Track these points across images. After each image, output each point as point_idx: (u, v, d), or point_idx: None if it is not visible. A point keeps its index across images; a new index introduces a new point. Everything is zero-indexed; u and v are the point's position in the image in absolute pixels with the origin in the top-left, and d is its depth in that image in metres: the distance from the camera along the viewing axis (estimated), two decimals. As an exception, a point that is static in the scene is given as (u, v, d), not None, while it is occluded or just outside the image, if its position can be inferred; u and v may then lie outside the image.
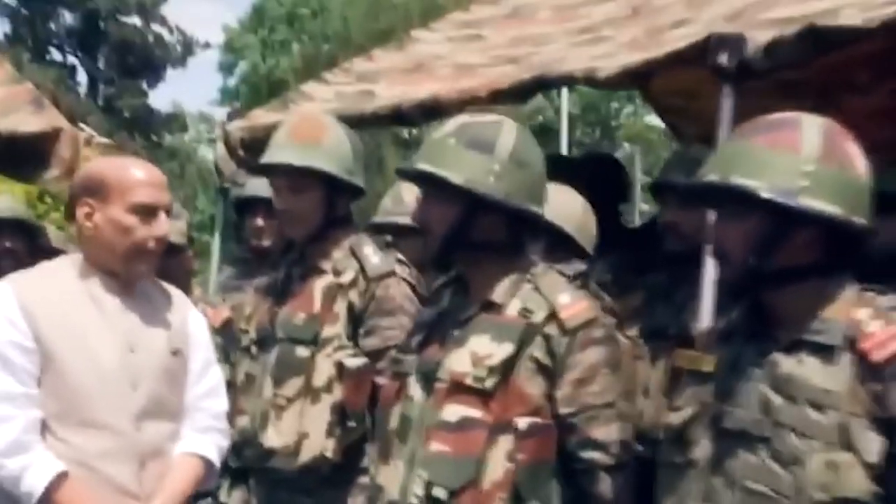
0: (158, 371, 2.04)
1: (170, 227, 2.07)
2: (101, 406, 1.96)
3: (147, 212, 1.99)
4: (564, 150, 14.57)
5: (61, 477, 1.91)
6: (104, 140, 4.48)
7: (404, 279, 2.37)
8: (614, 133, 24.23)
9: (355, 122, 3.28)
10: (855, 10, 2.01)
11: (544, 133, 16.49)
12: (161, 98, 31.16)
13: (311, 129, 2.43)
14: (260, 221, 3.21)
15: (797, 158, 1.57)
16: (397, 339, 2.21)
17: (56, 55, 23.63)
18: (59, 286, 2.02)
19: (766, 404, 1.58)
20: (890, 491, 1.50)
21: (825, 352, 1.56)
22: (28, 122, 3.84)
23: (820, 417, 1.52)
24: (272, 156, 2.43)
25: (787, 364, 1.58)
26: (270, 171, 2.47)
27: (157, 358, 2.04)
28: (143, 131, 22.75)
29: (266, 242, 3.23)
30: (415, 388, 1.94)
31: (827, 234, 1.59)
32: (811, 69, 2.68)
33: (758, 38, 2.06)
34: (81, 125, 4.41)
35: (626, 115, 24.47)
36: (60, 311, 1.98)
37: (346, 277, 2.35)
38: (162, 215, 2.01)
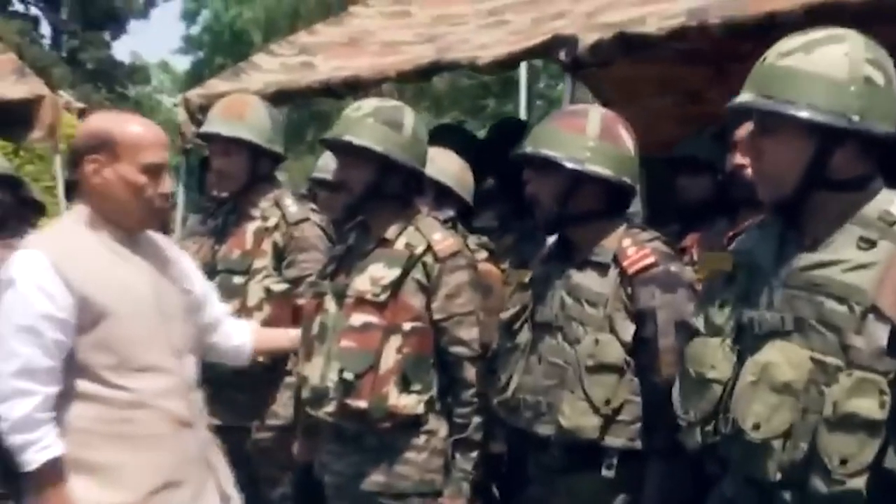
0: (180, 311, 2.16)
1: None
2: (153, 350, 2.06)
3: (155, 171, 2.06)
4: (523, 103, 15.16)
5: (56, 460, 1.97)
6: (80, 105, 5.05)
7: (316, 224, 3.05)
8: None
9: (294, 94, 3.94)
10: (655, 19, 2.68)
11: (507, 85, 16.81)
12: (125, 49, 31.04)
13: (236, 106, 3.11)
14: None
15: (584, 137, 2.25)
16: (311, 270, 2.89)
17: (18, 6, 23.66)
18: (83, 243, 2.05)
19: (562, 304, 2.28)
20: (637, 361, 2.19)
21: (601, 267, 2.25)
22: (13, 90, 4.42)
23: (594, 312, 2.22)
24: (207, 127, 3.14)
25: (577, 276, 2.27)
26: (206, 139, 3.18)
27: (177, 299, 2.16)
28: (107, 83, 22.94)
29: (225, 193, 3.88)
30: (330, 304, 2.60)
31: (606, 189, 2.27)
32: (706, 43, 3.10)
33: (586, 39, 2.73)
34: (60, 92, 4.98)
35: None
36: (97, 266, 2.02)
37: (271, 222, 3.03)
38: (166, 174, 2.10)
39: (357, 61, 3.92)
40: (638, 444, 2.18)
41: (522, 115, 14.15)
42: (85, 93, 19.09)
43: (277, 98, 3.66)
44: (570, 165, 2.22)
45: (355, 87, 3.57)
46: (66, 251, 2.02)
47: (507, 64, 3.00)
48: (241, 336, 2.53)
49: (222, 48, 23.21)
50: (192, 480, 2.11)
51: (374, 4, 4.73)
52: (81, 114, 5.62)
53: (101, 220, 2.07)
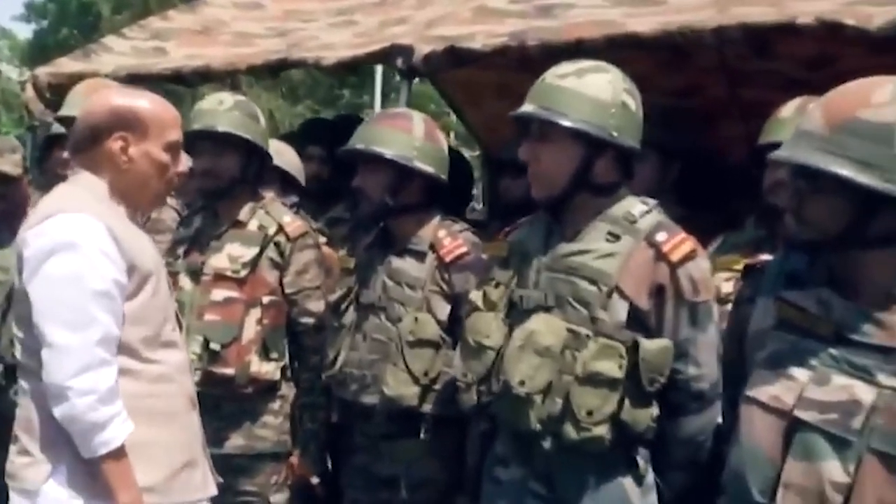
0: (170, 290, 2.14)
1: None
2: (171, 325, 2.04)
3: (175, 148, 2.06)
4: (378, 95, 15.60)
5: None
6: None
7: (172, 207, 3.24)
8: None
9: (145, 79, 4.04)
10: (482, 36, 2.99)
11: (362, 77, 17.00)
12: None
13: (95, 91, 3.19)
14: (66, 154, 3.91)
15: (411, 137, 2.54)
16: (164, 252, 3.05)
17: None
18: (112, 212, 1.99)
19: (384, 287, 2.57)
20: (455, 337, 2.47)
21: (419, 255, 2.56)
22: None
23: (413, 293, 2.53)
24: (66, 111, 3.28)
25: (397, 262, 2.58)
26: (65, 122, 3.31)
27: (166, 277, 2.13)
28: (-60, 47, 21.63)
29: (69, 172, 3.96)
30: (185, 282, 2.81)
31: (427, 185, 2.57)
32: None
33: (421, 50, 3.01)
34: None
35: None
36: (130, 236, 1.98)
37: None
38: (182, 152, 2.10)
39: (209, 51, 4.04)
40: (451, 412, 2.44)
41: (377, 106, 14.50)
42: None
43: (129, 82, 3.73)
44: (400, 162, 2.50)
45: (206, 77, 3.73)
46: (107, 217, 1.94)
47: (350, 66, 3.24)
48: None
49: (68, 19, 22.29)
50: (201, 461, 2.08)
51: (232, -6, 4.85)
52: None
53: (116, 194, 2.01)
